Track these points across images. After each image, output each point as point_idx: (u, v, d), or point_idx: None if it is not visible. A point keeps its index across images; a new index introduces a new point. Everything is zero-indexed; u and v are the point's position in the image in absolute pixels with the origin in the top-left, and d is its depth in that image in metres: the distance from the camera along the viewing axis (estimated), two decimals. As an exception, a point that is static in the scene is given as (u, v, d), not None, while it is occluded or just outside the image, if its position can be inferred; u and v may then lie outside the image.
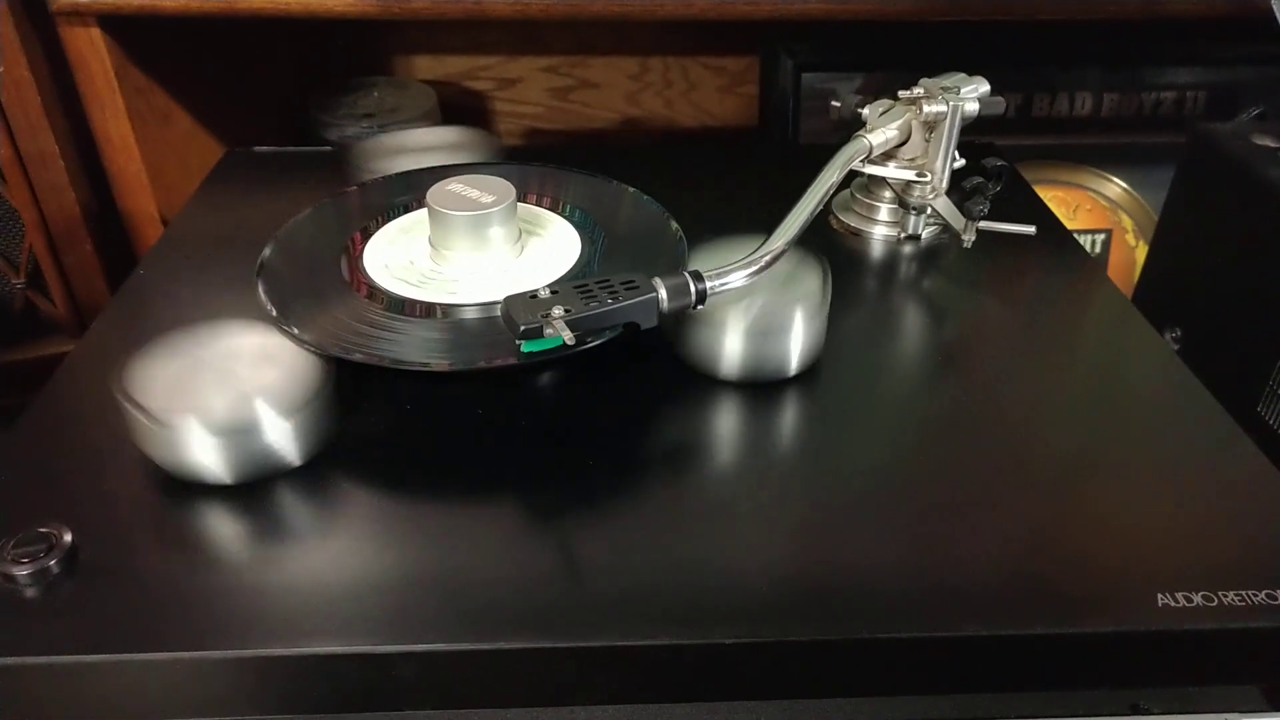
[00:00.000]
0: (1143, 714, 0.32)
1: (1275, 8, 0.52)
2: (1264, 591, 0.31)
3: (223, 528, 0.33)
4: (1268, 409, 0.53)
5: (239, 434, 0.33)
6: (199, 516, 0.34)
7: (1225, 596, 0.31)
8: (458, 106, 1.01)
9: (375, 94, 0.91)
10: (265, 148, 0.59)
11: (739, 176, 0.57)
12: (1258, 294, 0.55)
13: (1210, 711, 0.33)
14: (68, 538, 0.32)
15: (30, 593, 0.30)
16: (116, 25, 0.64)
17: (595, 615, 0.30)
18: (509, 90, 1.02)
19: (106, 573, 0.31)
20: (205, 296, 0.45)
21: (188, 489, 0.34)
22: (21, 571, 0.30)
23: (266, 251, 0.42)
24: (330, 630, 0.30)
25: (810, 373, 0.40)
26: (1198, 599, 0.31)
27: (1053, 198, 0.85)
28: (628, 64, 1.01)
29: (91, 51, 0.64)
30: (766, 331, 0.38)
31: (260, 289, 0.39)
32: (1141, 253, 0.87)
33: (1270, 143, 0.57)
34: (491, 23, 0.64)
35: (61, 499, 0.34)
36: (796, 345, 0.39)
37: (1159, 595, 0.31)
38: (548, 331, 0.34)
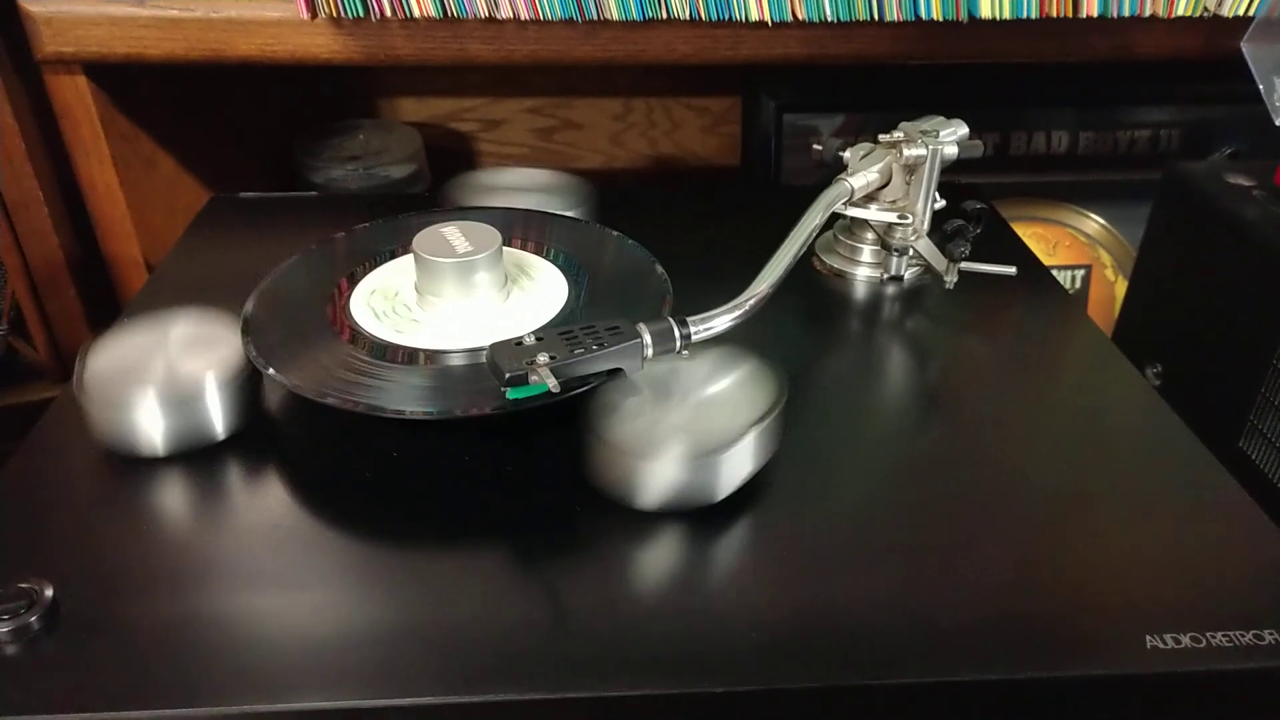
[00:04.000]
0: (1134, 757, 0.32)
1: (1245, 50, 0.53)
2: (1250, 632, 0.31)
3: (207, 581, 0.33)
4: (1249, 444, 0.54)
5: (171, 406, 0.37)
6: (184, 569, 0.33)
7: (1214, 638, 0.31)
8: (443, 148, 1.01)
9: (361, 136, 0.91)
10: (250, 194, 0.59)
11: (723, 218, 0.58)
12: (1236, 330, 0.56)
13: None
14: (49, 593, 0.31)
15: (10, 650, 0.30)
16: (102, 73, 0.64)
17: (584, 665, 0.30)
18: (493, 131, 1.03)
19: (89, 629, 0.31)
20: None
21: (174, 539, 0.34)
22: (1, 629, 0.30)
23: (252, 298, 0.42)
24: (317, 684, 0.29)
25: (796, 414, 0.40)
26: (1186, 640, 0.31)
27: (1032, 234, 0.87)
28: (611, 105, 1.02)
29: (77, 99, 0.64)
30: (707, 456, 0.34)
31: (244, 334, 0.39)
32: (1120, 287, 0.88)
33: (1243, 181, 0.58)
34: (476, 67, 0.66)
35: (42, 552, 0.34)
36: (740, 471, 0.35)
37: (1148, 637, 0.31)
38: (533, 379, 0.34)
